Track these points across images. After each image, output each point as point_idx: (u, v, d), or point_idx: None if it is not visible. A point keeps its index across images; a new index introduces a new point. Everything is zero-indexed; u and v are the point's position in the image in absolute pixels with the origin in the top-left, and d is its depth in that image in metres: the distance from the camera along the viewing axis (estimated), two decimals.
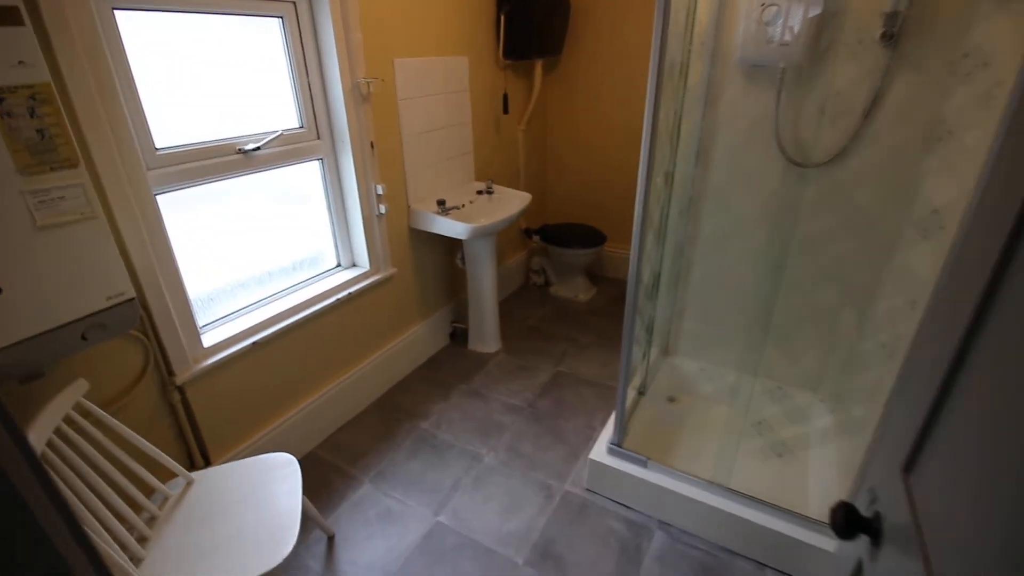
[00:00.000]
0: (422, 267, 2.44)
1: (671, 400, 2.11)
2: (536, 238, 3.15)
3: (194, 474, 1.32)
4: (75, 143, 1.06)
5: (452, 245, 2.58)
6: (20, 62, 0.97)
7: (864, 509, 0.78)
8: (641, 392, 2.04)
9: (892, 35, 1.43)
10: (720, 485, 1.56)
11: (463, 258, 2.50)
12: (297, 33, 1.71)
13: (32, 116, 1.00)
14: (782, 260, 1.84)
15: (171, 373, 1.48)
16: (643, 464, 1.67)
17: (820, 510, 1.49)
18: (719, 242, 1.96)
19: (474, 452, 1.96)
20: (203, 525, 1.19)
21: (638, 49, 2.76)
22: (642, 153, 1.30)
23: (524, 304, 3.07)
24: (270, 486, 1.28)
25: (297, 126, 1.81)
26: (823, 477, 1.69)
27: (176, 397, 1.51)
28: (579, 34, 2.89)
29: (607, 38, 2.83)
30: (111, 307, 1.14)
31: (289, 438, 1.88)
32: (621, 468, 1.69)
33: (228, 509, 1.23)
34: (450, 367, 2.49)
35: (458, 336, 2.72)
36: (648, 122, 1.27)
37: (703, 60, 1.77)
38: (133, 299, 1.17)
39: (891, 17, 1.42)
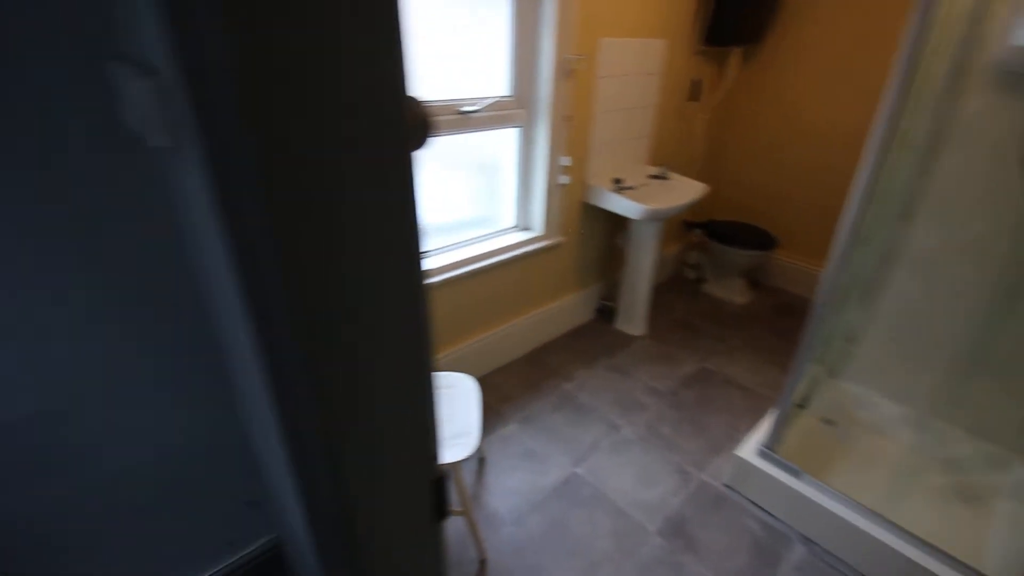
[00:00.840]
0: (585, 241, 2.54)
1: (828, 422, 1.98)
2: (698, 232, 3.08)
3: None
4: None
5: (615, 225, 2.64)
6: None
7: None
8: (800, 406, 1.95)
9: None
10: (884, 516, 1.46)
11: (625, 239, 2.55)
12: (524, 7, 1.87)
13: None
14: (1016, 292, 1.61)
15: None
16: (796, 474, 1.62)
17: (1000, 567, 1.33)
18: (929, 263, 1.76)
19: (613, 421, 2.04)
20: None
21: (858, 41, 2.51)
22: (867, 158, 1.24)
23: (674, 296, 3.04)
24: (459, 397, 1.49)
25: (508, 94, 1.99)
26: (1013, 534, 1.49)
27: None
28: (786, 23, 2.71)
29: (818, 29, 2.61)
30: None
31: (454, 368, 2.12)
32: (769, 472, 1.65)
33: None
34: (595, 340, 2.58)
35: (605, 314, 2.80)
36: (882, 126, 1.20)
37: (948, 58, 1.59)
38: None
39: None
